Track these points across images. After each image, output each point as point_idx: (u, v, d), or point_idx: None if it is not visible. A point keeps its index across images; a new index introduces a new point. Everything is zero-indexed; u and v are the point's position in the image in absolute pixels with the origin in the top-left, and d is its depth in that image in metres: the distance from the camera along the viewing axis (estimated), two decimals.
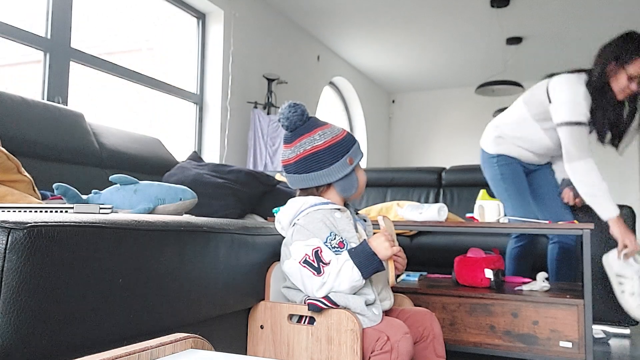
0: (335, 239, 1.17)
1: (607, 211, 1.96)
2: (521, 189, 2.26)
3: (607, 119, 2.01)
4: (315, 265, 1.14)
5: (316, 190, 1.26)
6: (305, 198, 1.24)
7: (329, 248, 1.16)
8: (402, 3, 4.67)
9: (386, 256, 1.15)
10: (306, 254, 1.15)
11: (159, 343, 0.60)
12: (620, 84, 2.00)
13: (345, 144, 1.25)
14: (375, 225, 1.33)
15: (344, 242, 1.18)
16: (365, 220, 1.35)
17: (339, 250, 1.16)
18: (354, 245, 1.19)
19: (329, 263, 1.13)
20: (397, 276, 1.29)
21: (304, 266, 1.15)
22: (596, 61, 2.07)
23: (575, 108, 2.01)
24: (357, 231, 1.26)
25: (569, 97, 2.04)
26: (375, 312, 1.17)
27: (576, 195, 2.24)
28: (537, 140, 2.24)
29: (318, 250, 1.15)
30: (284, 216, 1.25)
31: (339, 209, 1.24)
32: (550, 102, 2.10)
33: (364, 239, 1.20)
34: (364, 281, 1.14)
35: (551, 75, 2.18)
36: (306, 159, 1.22)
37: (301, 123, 1.24)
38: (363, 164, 5.28)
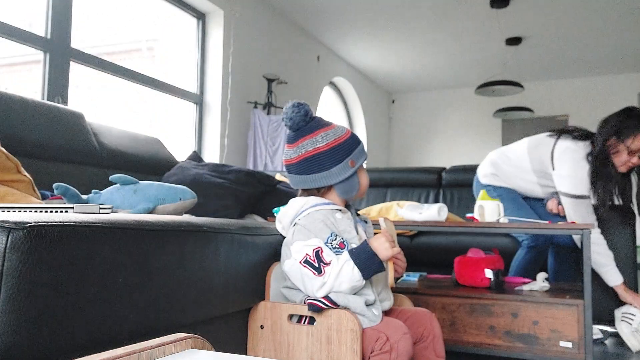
0: (336, 239, 1.17)
1: (614, 279, 2.04)
2: (520, 203, 2.32)
3: (608, 191, 2.04)
4: (316, 265, 1.14)
5: (317, 191, 1.26)
6: (307, 198, 1.24)
7: (330, 248, 1.16)
8: (402, 3, 4.67)
9: (386, 257, 1.15)
10: (307, 254, 1.15)
11: (159, 343, 0.60)
12: (621, 159, 2.03)
13: (348, 146, 1.24)
14: (376, 225, 1.33)
15: (345, 242, 1.18)
16: (366, 222, 1.35)
17: (340, 251, 1.16)
18: (354, 247, 1.19)
19: (329, 263, 1.13)
20: (397, 279, 1.29)
21: (305, 266, 1.15)
22: (597, 134, 2.07)
23: (578, 183, 2.05)
24: (357, 232, 1.26)
25: (572, 172, 2.06)
26: (375, 312, 1.17)
27: (559, 203, 2.26)
28: (530, 189, 2.30)
29: (319, 250, 1.15)
30: (284, 216, 1.25)
31: (340, 210, 1.24)
32: (553, 169, 2.13)
33: (365, 240, 1.20)
34: (364, 282, 1.14)
35: (560, 133, 2.15)
36: (307, 160, 1.22)
37: (304, 123, 1.24)
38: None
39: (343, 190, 1.25)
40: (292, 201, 1.26)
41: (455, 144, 7.39)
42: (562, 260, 2.36)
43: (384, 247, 1.14)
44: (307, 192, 1.27)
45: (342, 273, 1.12)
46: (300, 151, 1.23)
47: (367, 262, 1.13)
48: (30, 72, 2.94)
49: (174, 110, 4.01)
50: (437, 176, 3.40)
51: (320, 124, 1.25)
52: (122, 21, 3.61)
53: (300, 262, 1.16)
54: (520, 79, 6.05)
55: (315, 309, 1.13)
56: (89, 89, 3.24)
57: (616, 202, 2.13)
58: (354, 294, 1.16)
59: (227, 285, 1.10)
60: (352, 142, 1.26)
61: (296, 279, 1.20)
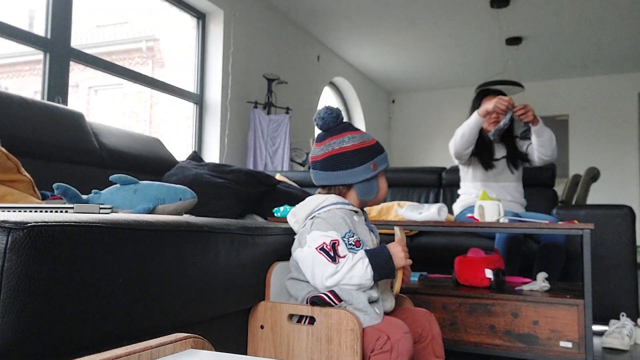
0: (353, 236, 1.20)
1: (474, 117, 2.62)
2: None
3: (479, 152, 2.69)
4: (331, 254, 1.16)
5: (338, 192, 1.29)
6: (327, 195, 1.28)
7: (346, 244, 1.18)
8: (402, 3, 4.67)
9: (400, 265, 1.19)
10: (324, 242, 1.18)
11: (159, 343, 0.60)
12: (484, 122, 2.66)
13: (372, 151, 1.29)
14: (381, 226, 1.34)
15: (361, 242, 1.21)
16: (372, 231, 1.37)
17: (355, 249, 1.19)
18: (369, 248, 1.22)
19: (344, 257, 1.16)
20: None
21: (320, 252, 1.17)
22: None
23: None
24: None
25: None
26: (377, 311, 1.17)
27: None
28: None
29: (335, 243, 1.17)
30: (300, 210, 1.28)
31: (357, 212, 1.28)
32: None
33: (383, 244, 1.23)
34: (372, 282, 1.16)
35: None
36: (333, 157, 1.27)
37: (334, 125, 1.29)
38: None
39: (362, 191, 1.28)
40: (310, 197, 1.29)
41: None
42: (546, 261, 2.36)
43: (399, 255, 1.18)
44: (326, 191, 1.30)
45: (356, 268, 1.15)
46: (327, 149, 1.27)
47: (382, 264, 1.16)
48: (30, 72, 2.94)
49: (174, 110, 4.01)
50: (437, 176, 3.40)
51: (349, 127, 1.31)
52: (122, 21, 3.61)
53: (316, 248, 1.18)
54: (520, 79, 6.04)
55: (319, 300, 1.14)
56: (89, 89, 3.25)
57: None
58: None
59: (227, 285, 1.10)
60: (377, 148, 1.31)
61: (306, 266, 1.21)
